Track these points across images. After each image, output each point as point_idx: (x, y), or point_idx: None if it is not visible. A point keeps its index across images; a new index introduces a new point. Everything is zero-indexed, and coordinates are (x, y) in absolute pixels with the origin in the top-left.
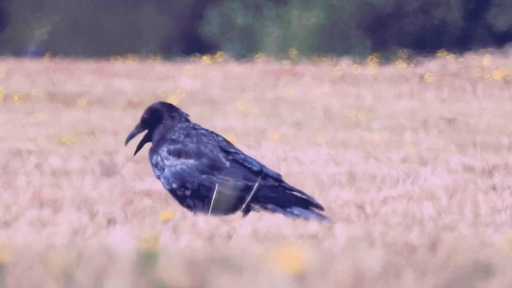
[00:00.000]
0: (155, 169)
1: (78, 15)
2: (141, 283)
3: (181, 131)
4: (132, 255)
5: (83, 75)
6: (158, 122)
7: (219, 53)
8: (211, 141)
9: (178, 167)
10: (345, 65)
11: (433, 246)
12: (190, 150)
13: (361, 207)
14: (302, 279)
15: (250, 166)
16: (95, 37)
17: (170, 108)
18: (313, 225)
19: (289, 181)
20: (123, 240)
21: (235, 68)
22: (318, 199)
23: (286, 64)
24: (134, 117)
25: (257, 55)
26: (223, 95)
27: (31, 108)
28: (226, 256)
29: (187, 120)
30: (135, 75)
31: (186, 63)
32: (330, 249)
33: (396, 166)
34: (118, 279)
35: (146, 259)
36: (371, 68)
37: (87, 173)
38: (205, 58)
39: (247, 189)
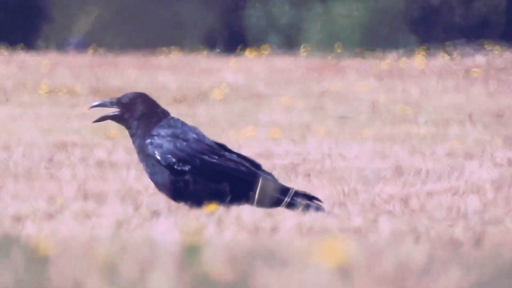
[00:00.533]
0: (150, 147)
1: (122, 7)
2: (184, 276)
3: (175, 122)
4: (176, 248)
5: (126, 69)
6: (135, 113)
7: (263, 47)
8: (205, 136)
9: (178, 144)
10: (391, 59)
11: (478, 241)
12: (189, 136)
13: (405, 201)
14: (346, 272)
15: (246, 159)
16: (139, 30)
17: (153, 103)
18: (357, 219)
19: (333, 176)
20: (167, 233)
21: (280, 62)
22: (362, 193)
23: (331, 58)
24: (178, 112)
25: (301, 49)
26: (268, 89)
27: (76, 101)
28: (270, 249)
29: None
30: (179, 69)
31: (230, 57)
32: (374, 243)
33: (441, 160)
34: (161, 271)
35: (190, 252)
36: (417, 62)
37: (132, 166)
38: (250, 52)
39: (252, 174)
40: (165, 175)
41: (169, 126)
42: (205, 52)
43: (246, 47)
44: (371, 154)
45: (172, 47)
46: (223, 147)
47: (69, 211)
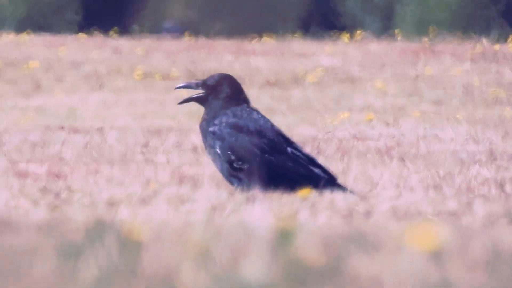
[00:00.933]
0: (211, 137)
1: None
2: (278, 261)
3: (243, 111)
4: (270, 233)
5: (221, 54)
6: (220, 95)
7: (358, 31)
8: (273, 127)
9: (239, 140)
10: (485, 42)
11: None
12: (252, 128)
13: (501, 185)
14: (440, 256)
15: (309, 156)
16: (233, 16)
17: (238, 87)
18: (451, 203)
19: (428, 159)
20: (261, 218)
21: (374, 46)
22: (458, 176)
23: (425, 42)
24: (273, 96)
25: (396, 33)
26: (362, 73)
27: (171, 86)
28: (364, 234)
29: (249, 105)
30: (273, 53)
31: (325, 41)
32: (468, 226)
33: None
34: (255, 256)
35: (284, 237)
36: (511, 45)
37: None
38: (344, 36)
39: (309, 177)
40: (224, 168)
41: (234, 115)
42: (299, 37)
43: (340, 32)
44: (465, 137)
45: (267, 32)
46: (287, 140)
47: (163, 196)
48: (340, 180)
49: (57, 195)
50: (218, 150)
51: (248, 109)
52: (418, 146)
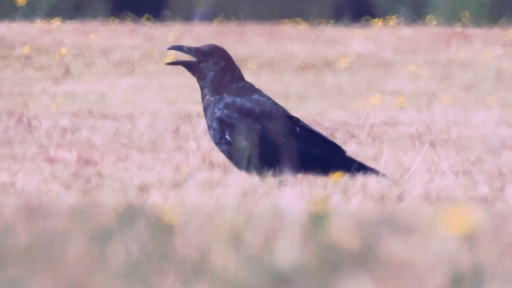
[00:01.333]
0: (220, 124)
1: None
2: (311, 244)
3: (246, 90)
4: (303, 216)
5: (253, 38)
6: (214, 66)
7: (390, 16)
8: (277, 107)
9: (248, 126)
10: None
11: None
12: (259, 111)
13: None
14: (472, 240)
15: (319, 134)
16: (265, 1)
17: (232, 60)
18: (483, 188)
19: (459, 144)
20: (293, 202)
21: (406, 31)
22: (488, 161)
23: (457, 27)
24: (305, 81)
25: (428, 19)
26: (394, 58)
27: None
28: (396, 217)
29: (248, 83)
30: (305, 38)
31: (357, 27)
32: (500, 211)
33: None
34: (287, 240)
35: (317, 220)
36: None
37: None
38: (377, 21)
39: (322, 156)
40: (231, 151)
41: (238, 96)
42: (332, 22)
43: (373, 18)
44: (496, 122)
45: (299, 17)
46: (292, 119)
47: (194, 180)
48: (371, 165)
49: (88, 180)
50: (228, 137)
51: (249, 88)
52: (449, 131)
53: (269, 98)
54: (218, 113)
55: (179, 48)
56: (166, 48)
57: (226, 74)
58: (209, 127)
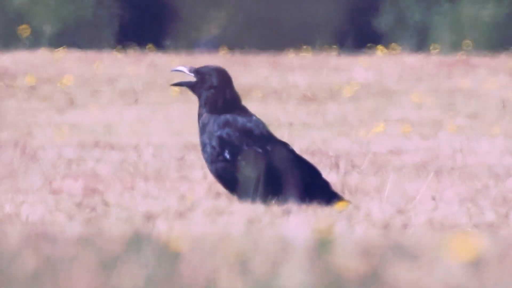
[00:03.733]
0: (219, 142)
1: (251, 8)
2: (316, 270)
3: (246, 110)
4: (308, 243)
5: (257, 68)
6: (205, 84)
7: (393, 45)
8: (268, 131)
9: (249, 146)
10: None
11: None
12: (257, 131)
13: None
14: (477, 267)
15: (309, 163)
16: (269, 31)
17: (228, 82)
18: (489, 215)
19: (464, 172)
20: (298, 229)
21: (410, 59)
22: (493, 189)
23: (461, 55)
24: (309, 110)
25: (431, 47)
26: (398, 86)
27: None
28: (401, 244)
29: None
30: (309, 67)
31: (360, 55)
32: (506, 237)
33: None
34: (294, 267)
35: (322, 247)
36: None
37: None
38: (380, 50)
39: (315, 186)
40: (228, 169)
41: (245, 115)
42: (335, 51)
43: (376, 46)
44: (501, 150)
45: (302, 46)
46: (289, 148)
47: (200, 209)
48: (375, 195)
49: (93, 209)
50: (227, 156)
51: (248, 111)
52: (454, 160)
53: (264, 124)
54: (218, 132)
55: (181, 70)
56: (171, 70)
57: (220, 95)
58: (205, 144)
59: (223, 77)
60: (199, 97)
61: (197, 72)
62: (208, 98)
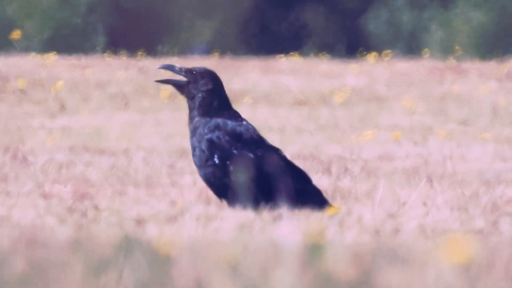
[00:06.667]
0: (208, 146)
1: (243, 14)
2: (307, 275)
3: (237, 115)
4: (299, 248)
5: (249, 73)
6: (202, 87)
7: (384, 51)
8: (259, 136)
9: (239, 151)
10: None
11: None
12: (248, 135)
13: None
14: (468, 271)
15: (300, 169)
16: (261, 36)
17: (221, 86)
18: (479, 221)
19: (454, 178)
20: (290, 235)
21: (401, 65)
22: (484, 195)
23: (451, 61)
24: (300, 115)
25: (423, 53)
26: (389, 92)
27: None
28: (392, 249)
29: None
30: (300, 72)
31: (351, 61)
32: (495, 243)
33: None
34: (284, 273)
35: (313, 252)
36: None
37: None
38: (371, 56)
39: (305, 193)
40: (217, 174)
41: (236, 119)
42: (326, 56)
43: (367, 52)
44: (492, 156)
45: (294, 51)
46: (275, 150)
47: (190, 214)
48: (366, 200)
49: (84, 213)
50: (216, 160)
51: (239, 115)
52: (445, 166)
53: (254, 128)
54: (209, 135)
55: (170, 67)
56: (158, 67)
57: (215, 98)
58: (195, 148)
59: (218, 80)
60: (190, 98)
61: (189, 72)
62: (203, 99)
